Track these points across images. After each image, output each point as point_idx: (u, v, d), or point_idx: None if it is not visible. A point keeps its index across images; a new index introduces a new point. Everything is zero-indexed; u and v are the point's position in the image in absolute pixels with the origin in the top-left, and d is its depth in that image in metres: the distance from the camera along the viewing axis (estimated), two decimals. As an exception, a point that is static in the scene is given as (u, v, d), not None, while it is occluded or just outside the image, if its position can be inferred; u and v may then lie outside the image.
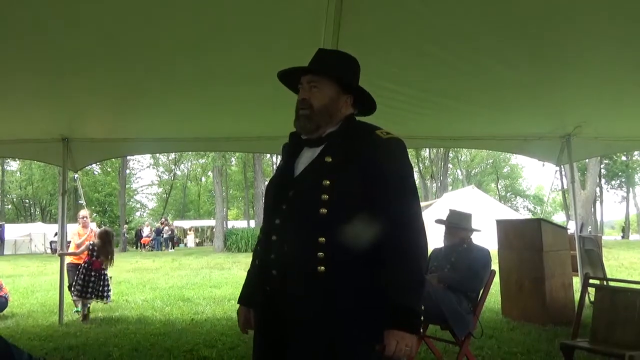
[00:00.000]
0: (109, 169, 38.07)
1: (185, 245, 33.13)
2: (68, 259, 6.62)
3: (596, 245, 6.37)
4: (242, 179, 40.58)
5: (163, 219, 30.78)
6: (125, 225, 29.95)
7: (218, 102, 4.62)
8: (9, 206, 45.53)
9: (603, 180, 40.07)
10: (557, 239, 5.68)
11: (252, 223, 31.64)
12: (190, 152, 35.43)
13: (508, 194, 50.79)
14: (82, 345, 4.81)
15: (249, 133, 5.75)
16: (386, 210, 1.57)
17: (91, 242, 6.35)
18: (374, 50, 3.28)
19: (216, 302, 7.65)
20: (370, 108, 1.86)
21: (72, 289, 6.19)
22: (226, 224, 31.22)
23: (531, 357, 4.13)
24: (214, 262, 16.47)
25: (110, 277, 8.47)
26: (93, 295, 6.23)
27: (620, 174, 40.42)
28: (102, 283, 6.29)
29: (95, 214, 34.79)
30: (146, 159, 46.54)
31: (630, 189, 43.30)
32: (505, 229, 6.08)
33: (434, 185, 40.34)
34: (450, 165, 42.77)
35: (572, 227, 6.58)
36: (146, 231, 29.51)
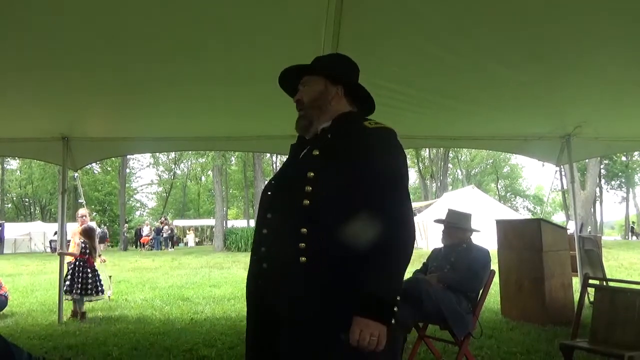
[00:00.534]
0: (108, 168, 38.09)
1: (185, 244, 33.14)
2: (68, 258, 6.62)
3: (596, 246, 6.37)
4: (242, 179, 40.58)
5: (162, 218, 30.78)
6: (126, 225, 29.95)
7: (218, 102, 4.62)
8: (9, 205, 45.52)
9: (603, 181, 40.08)
10: (557, 239, 5.68)
11: (252, 222, 31.61)
12: (190, 152, 35.49)
13: (508, 194, 50.82)
14: (82, 344, 4.81)
15: (249, 132, 5.75)
16: (368, 201, 1.54)
17: (82, 240, 6.36)
18: (374, 50, 3.28)
19: (215, 301, 7.66)
20: (368, 103, 1.86)
21: (71, 289, 6.19)
22: (226, 224, 31.23)
23: (530, 357, 4.13)
24: (214, 261, 16.48)
25: (110, 276, 8.49)
26: (93, 292, 6.25)
27: (620, 174, 40.45)
28: (97, 279, 6.35)
29: (95, 213, 34.77)
30: (146, 158, 46.63)
31: (630, 189, 43.34)
32: (505, 229, 6.08)
33: (434, 185, 40.33)
34: (450, 165, 42.77)
35: (571, 228, 6.58)
36: (146, 230, 29.51)
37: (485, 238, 4.53)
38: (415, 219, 22.47)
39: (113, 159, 31.65)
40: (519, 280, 5.72)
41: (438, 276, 3.60)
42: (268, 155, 32.47)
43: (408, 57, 3.44)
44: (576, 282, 6.00)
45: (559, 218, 37.96)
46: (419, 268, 3.98)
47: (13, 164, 42.05)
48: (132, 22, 2.96)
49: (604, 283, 5.38)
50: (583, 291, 3.82)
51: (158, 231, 27.79)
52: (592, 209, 30.08)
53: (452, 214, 3.95)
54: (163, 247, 26.69)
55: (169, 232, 27.87)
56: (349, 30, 2.95)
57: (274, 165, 37.86)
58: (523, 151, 6.46)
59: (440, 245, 3.96)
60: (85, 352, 4.51)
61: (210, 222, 35.59)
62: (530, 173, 71.64)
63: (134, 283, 10.49)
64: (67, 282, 6.15)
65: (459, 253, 3.71)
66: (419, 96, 4.20)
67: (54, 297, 7.18)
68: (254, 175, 28.51)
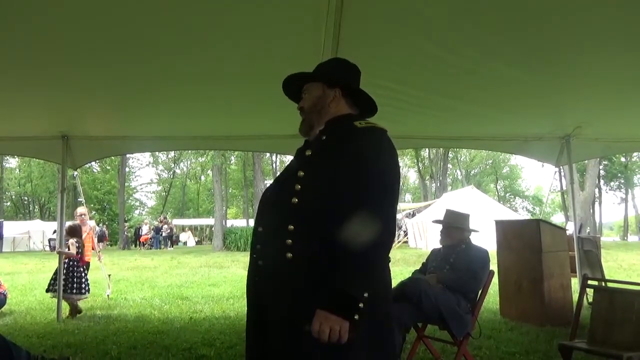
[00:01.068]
0: (108, 167, 38.08)
1: (185, 243, 33.13)
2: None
3: (595, 247, 6.37)
4: (242, 178, 40.58)
5: (162, 217, 30.77)
6: (127, 224, 29.94)
7: (218, 101, 4.62)
8: (8, 203, 45.46)
9: (602, 182, 40.10)
10: (556, 239, 5.69)
11: (251, 222, 31.60)
12: (189, 151, 35.46)
13: (507, 195, 50.84)
14: (81, 343, 4.81)
15: (249, 132, 5.74)
16: (351, 199, 1.56)
17: (75, 239, 6.37)
18: (374, 50, 3.28)
19: (215, 300, 7.65)
20: (369, 104, 1.89)
21: (68, 288, 6.20)
22: (225, 223, 31.22)
23: (529, 357, 4.14)
24: (213, 260, 16.47)
25: (110, 275, 8.49)
26: (82, 291, 6.27)
27: (619, 175, 40.48)
28: (84, 279, 6.35)
29: (94, 212, 34.76)
30: (145, 157, 46.68)
31: (629, 190, 43.37)
32: (504, 229, 6.09)
33: (433, 185, 40.34)
34: (449, 166, 42.77)
35: (570, 228, 6.59)
36: (145, 229, 29.52)
37: (485, 238, 4.54)
38: (415, 219, 22.50)
39: (112, 158, 31.68)
40: (518, 280, 5.72)
41: (437, 276, 3.60)
42: (268, 154, 32.48)
43: (408, 57, 3.44)
44: (575, 283, 6.01)
45: (558, 219, 38.03)
46: (418, 268, 3.99)
47: (12, 162, 42.00)
48: (132, 21, 2.96)
49: (603, 284, 5.37)
50: (582, 292, 3.83)
51: (157, 230, 27.78)
52: (591, 210, 30.09)
53: (450, 214, 3.95)
54: (162, 246, 26.69)
55: (169, 231, 27.86)
56: (349, 29, 2.95)
57: (274, 165, 37.90)
58: (522, 152, 6.46)
59: (439, 245, 3.97)
60: (84, 350, 4.51)
61: (210, 221, 35.59)
62: (530, 174, 71.81)
63: (133, 282, 10.49)
64: (71, 285, 6.16)
65: (458, 253, 3.71)
66: (419, 96, 4.20)
67: (53, 295, 7.17)
68: (253, 175, 28.49)
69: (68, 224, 6.69)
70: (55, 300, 6.11)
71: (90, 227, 7.43)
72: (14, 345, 3.56)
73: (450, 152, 38.31)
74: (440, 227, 3.93)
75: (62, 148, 5.84)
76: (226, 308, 6.88)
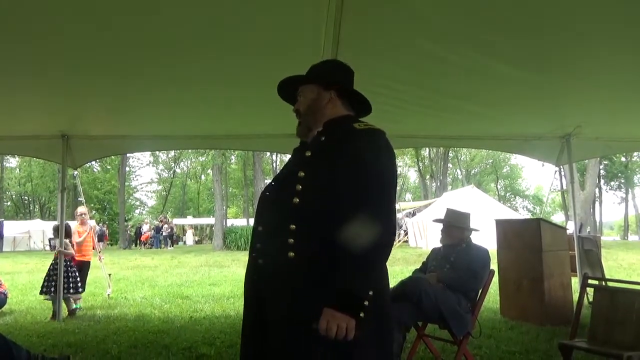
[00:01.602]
0: (108, 167, 38.07)
1: (184, 243, 33.13)
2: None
3: (595, 246, 6.37)
4: (242, 177, 40.57)
5: (162, 217, 30.78)
6: (130, 223, 29.96)
7: (218, 100, 4.62)
8: (8, 203, 45.46)
9: (602, 181, 40.09)
10: (556, 239, 5.68)
11: (252, 221, 31.56)
12: (190, 150, 35.43)
13: (507, 194, 50.82)
14: (81, 342, 4.81)
15: (249, 131, 5.75)
16: (352, 200, 1.60)
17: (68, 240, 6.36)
18: (374, 50, 3.27)
19: (215, 300, 7.66)
20: (363, 104, 1.92)
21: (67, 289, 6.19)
22: (225, 222, 31.23)
23: (529, 356, 4.14)
24: (213, 260, 16.49)
25: (110, 275, 8.50)
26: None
27: (619, 175, 40.46)
28: (76, 278, 6.33)
29: (94, 212, 34.75)
30: (146, 156, 46.65)
31: (629, 190, 43.34)
32: (505, 228, 6.09)
33: (434, 184, 40.32)
34: (450, 165, 42.74)
35: (571, 228, 6.58)
36: (145, 229, 29.56)
37: (485, 238, 4.53)
38: (415, 218, 22.50)
39: (112, 157, 31.66)
40: (518, 280, 5.72)
41: (437, 275, 3.60)
42: (268, 154, 32.44)
43: (408, 57, 3.44)
44: (575, 282, 6.01)
45: (558, 218, 37.93)
46: (418, 267, 3.99)
47: (12, 161, 42.00)
48: (133, 20, 2.96)
49: (603, 283, 5.37)
50: (582, 291, 3.82)
51: (158, 230, 27.79)
52: (591, 210, 30.08)
53: (451, 213, 3.95)
54: (162, 246, 26.70)
55: (169, 230, 27.87)
56: (349, 29, 2.95)
57: (274, 164, 37.87)
58: (523, 151, 6.47)
59: (439, 244, 3.96)
60: (84, 349, 4.52)
61: (210, 220, 35.57)
62: (530, 173, 71.77)
63: (134, 281, 10.50)
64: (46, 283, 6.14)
65: (459, 252, 3.71)
66: (420, 95, 4.20)
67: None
68: (253, 174, 28.48)
69: (55, 223, 6.67)
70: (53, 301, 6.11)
71: (91, 226, 7.41)
72: (14, 345, 3.56)
73: (450, 152, 38.27)
74: (440, 226, 3.93)
75: (62, 147, 5.84)
76: (226, 307, 6.89)
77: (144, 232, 28.97)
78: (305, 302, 1.59)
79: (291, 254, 1.62)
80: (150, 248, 26.77)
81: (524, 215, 39.75)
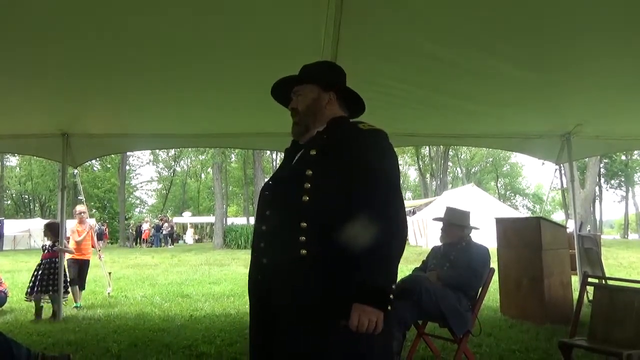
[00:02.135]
0: (108, 165, 38.04)
1: (184, 242, 33.16)
2: (69, 255, 6.63)
3: (595, 244, 6.37)
4: (242, 176, 40.59)
5: (162, 216, 30.80)
6: (132, 222, 29.99)
7: (218, 99, 4.61)
8: (8, 202, 45.49)
9: (602, 180, 40.09)
10: (556, 237, 5.68)
11: (252, 220, 31.62)
12: (190, 149, 35.46)
13: (508, 193, 50.86)
14: (81, 340, 4.82)
15: (249, 129, 5.74)
16: (364, 198, 1.63)
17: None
18: (374, 49, 3.27)
19: (215, 298, 7.67)
20: (358, 105, 1.96)
21: (66, 287, 6.18)
22: (225, 221, 31.24)
23: (529, 355, 4.14)
24: (213, 258, 16.50)
25: (110, 273, 8.50)
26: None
27: (619, 173, 40.46)
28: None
29: (94, 210, 34.76)
30: (146, 155, 46.68)
31: (630, 188, 43.36)
32: (505, 227, 6.09)
33: (434, 183, 40.33)
34: (450, 163, 42.77)
35: (571, 226, 6.58)
36: (145, 227, 29.58)
37: (485, 236, 4.54)
38: (415, 217, 22.51)
39: (112, 156, 31.65)
40: (518, 278, 5.73)
41: (437, 274, 3.61)
42: (268, 152, 32.44)
43: (409, 56, 3.43)
44: (575, 281, 6.02)
45: (558, 217, 37.98)
46: (418, 266, 3.99)
47: (12, 160, 42.06)
48: (133, 19, 2.95)
49: (603, 282, 5.37)
50: (582, 289, 3.83)
51: (158, 228, 27.81)
52: (591, 208, 30.09)
53: (450, 211, 3.95)
54: (163, 244, 26.72)
55: (169, 229, 27.89)
56: (349, 29, 2.94)
57: (274, 163, 37.85)
58: (523, 150, 6.46)
59: (439, 243, 3.96)
60: (84, 348, 4.52)
61: (210, 219, 35.59)
62: (530, 172, 71.74)
63: (134, 280, 10.50)
64: (36, 282, 6.05)
65: (459, 251, 3.71)
66: (420, 94, 4.19)
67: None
68: (253, 173, 28.50)
69: (47, 222, 6.65)
70: (43, 302, 6.08)
71: (90, 225, 7.40)
72: (14, 343, 3.56)
73: (450, 150, 38.31)
74: (440, 224, 3.93)
75: (63, 146, 5.84)
76: (226, 306, 6.89)
77: (144, 230, 29.00)
78: (319, 298, 1.61)
79: (303, 251, 1.64)
80: (151, 246, 26.79)
81: (524, 213, 39.75)
